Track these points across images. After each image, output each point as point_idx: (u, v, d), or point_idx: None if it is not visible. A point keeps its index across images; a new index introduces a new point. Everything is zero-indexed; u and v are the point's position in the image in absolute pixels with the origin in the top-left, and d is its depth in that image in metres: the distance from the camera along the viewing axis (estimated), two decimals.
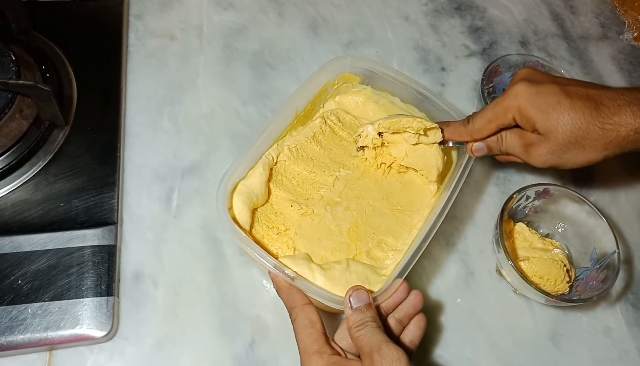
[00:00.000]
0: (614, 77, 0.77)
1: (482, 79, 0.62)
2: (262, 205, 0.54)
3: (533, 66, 0.65)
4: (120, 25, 0.69)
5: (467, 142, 0.53)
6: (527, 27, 0.79)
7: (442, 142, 0.54)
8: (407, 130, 0.54)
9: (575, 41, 0.79)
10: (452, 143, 0.54)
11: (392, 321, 0.46)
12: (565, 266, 0.55)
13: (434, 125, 0.53)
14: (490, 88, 0.66)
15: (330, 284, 0.47)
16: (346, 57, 0.60)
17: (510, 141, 0.50)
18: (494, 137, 0.51)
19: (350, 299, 0.43)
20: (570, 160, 0.47)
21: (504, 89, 0.66)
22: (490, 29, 0.77)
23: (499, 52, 0.75)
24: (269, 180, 0.55)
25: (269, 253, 0.46)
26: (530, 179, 0.65)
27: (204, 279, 0.55)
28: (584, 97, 0.46)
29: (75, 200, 0.56)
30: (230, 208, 0.51)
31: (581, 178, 0.66)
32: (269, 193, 0.55)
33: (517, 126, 0.50)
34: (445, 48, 0.74)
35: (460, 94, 0.71)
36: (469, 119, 0.52)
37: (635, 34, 0.80)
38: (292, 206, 0.54)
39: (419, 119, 0.53)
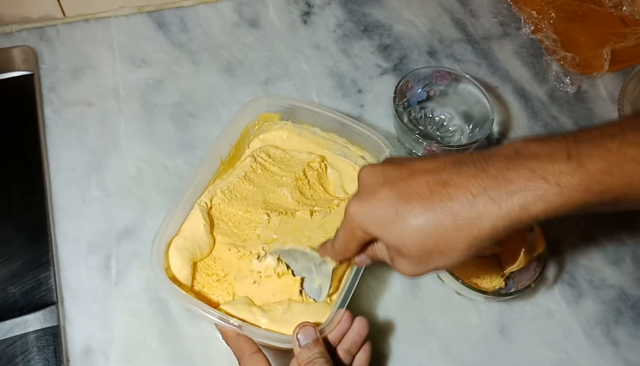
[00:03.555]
0: (520, 71, 0.81)
1: (394, 96, 0.65)
2: (207, 256, 0.55)
3: (441, 76, 0.69)
4: (34, 100, 0.68)
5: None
6: (433, 36, 0.83)
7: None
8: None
9: (479, 43, 0.84)
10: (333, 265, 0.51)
11: (341, 352, 0.47)
12: (497, 260, 0.58)
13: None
14: (405, 102, 0.69)
15: (274, 325, 0.47)
16: (262, 97, 0.61)
17: (381, 253, 0.44)
18: (369, 249, 0.45)
19: (298, 336, 0.45)
20: (441, 264, 0.38)
21: (418, 101, 0.70)
22: (398, 45, 0.81)
23: (410, 66, 0.78)
24: (212, 229, 0.55)
25: (211, 303, 0.47)
26: None
27: (155, 342, 0.55)
28: (426, 196, 0.37)
29: (10, 287, 0.55)
30: (169, 267, 0.51)
31: None
32: (214, 242, 0.55)
33: None
34: (358, 70, 0.77)
35: (379, 112, 0.73)
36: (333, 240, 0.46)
37: (532, 28, 0.85)
38: (229, 249, 0.55)
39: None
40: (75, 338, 0.54)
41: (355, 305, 0.58)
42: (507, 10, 0.88)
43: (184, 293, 0.47)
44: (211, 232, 0.55)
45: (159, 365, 0.53)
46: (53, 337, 0.53)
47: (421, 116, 0.71)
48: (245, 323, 0.47)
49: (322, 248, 0.50)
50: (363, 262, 0.47)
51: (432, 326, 0.59)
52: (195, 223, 0.54)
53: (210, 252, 0.55)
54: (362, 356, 0.48)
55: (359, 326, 0.48)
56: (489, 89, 0.69)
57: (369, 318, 0.57)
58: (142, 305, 0.56)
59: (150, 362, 0.54)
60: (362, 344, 0.49)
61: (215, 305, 0.47)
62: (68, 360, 0.53)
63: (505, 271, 0.58)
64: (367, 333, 0.49)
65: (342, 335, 0.48)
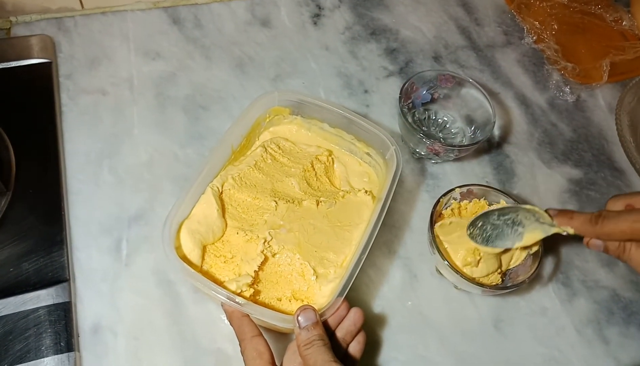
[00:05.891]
0: (521, 79, 0.84)
1: (400, 97, 0.67)
2: (219, 239, 0.57)
3: (445, 79, 0.71)
4: (51, 86, 0.70)
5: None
6: (438, 42, 0.86)
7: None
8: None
9: (483, 50, 0.86)
10: (566, 233, 0.52)
11: (336, 339, 0.49)
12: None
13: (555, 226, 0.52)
14: (410, 104, 0.71)
15: None
16: (273, 91, 0.64)
17: (635, 256, 0.50)
18: (615, 243, 0.51)
19: (299, 318, 0.47)
20: None
21: (422, 103, 0.72)
22: (404, 49, 0.83)
23: (415, 69, 0.81)
24: (223, 213, 0.57)
25: (217, 283, 0.49)
26: (456, 182, 0.70)
27: (162, 322, 0.56)
28: None
29: (25, 263, 0.57)
30: (179, 247, 0.53)
31: (503, 175, 0.72)
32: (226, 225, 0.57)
33: None
34: (365, 71, 0.80)
35: (384, 112, 0.76)
36: (597, 219, 0.49)
37: (535, 38, 0.88)
38: (237, 233, 0.57)
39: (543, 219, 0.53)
40: (85, 315, 0.56)
41: (354, 295, 0.60)
42: (511, 20, 0.91)
43: (192, 271, 0.49)
44: (224, 217, 0.57)
45: (165, 344, 0.55)
46: (64, 312, 0.54)
47: (425, 118, 0.74)
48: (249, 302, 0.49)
49: (564, 215, 0.51)
50: (597, 248, 0.51)
51: (429, 318, 0.61)
52: (209, 207, 0.56)
53: (223, 235, 0.57)
54: (356, 346, 0.51)
55: (355, 316, 0.50)
56: (491, 94, 0.71)
57: (367, 308, 0.60)
58: (150, 287, 0.58)
59: (157, 341, 0.55)
60: (357, 333, 0.51)
61: (221, 285, 0.49)
62: (78, 335, 0.54)
63: (502, 268, 0.60)
64: (362, 324, 0.51)
65: (339, 322, 0.50)
